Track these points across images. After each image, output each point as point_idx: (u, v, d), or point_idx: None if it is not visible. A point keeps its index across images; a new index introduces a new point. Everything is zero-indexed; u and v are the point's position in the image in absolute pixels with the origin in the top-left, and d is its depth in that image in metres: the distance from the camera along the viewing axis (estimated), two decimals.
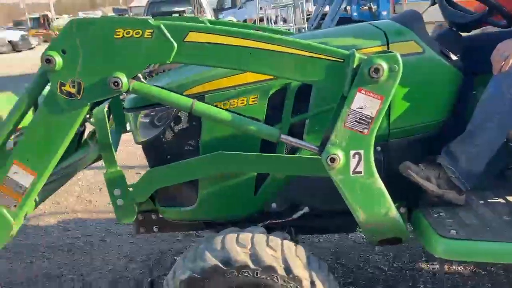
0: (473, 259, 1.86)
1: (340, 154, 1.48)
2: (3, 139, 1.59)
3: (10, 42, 24.48)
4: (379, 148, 1.80)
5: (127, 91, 1.51)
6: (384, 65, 1.40)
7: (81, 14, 50.51)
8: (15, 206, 1.61)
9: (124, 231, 3.24)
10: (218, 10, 24.04)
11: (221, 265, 1.52)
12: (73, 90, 1.48)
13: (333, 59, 1.45)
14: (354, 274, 2.54)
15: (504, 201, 1.84)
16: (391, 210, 1.59)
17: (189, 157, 1.79)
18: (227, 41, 1.44)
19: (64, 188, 4.09)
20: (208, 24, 2.10)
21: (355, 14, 14.05)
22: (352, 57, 1.43)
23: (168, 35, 1.43)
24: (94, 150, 2.50)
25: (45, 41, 32.96)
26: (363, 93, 1.44)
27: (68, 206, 3.79)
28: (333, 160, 1.47)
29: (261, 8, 15.30)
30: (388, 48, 1.74)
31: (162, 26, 1.43)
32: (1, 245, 1.68)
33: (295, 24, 11.85)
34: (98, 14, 51.99)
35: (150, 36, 1.43)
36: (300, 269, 1.54)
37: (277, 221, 1.91)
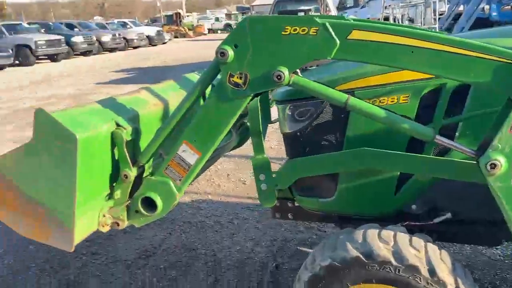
0: None
1: (502, 160, 1.41)
2: (177, 121, 1.81)
3: (147, 36, 27.24)
4: None
5: (287, 85, 1.62)
6: None
7: (208, 12, 53.95)
8: (179, 180, 1.84)
9: (251, 216, 3.45)
10: (339, 9, 23.80)
11: (362, 257, 1.56)
12: (240, 81, 1.64)
13: (503, 60, 1.39)
14: None
15: None
16: None
17: (329, 151, 1.86)
18: (390, 39, 1.46)
19: None
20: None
21: (494, 14, 12.84)
22: None
23: (332, 32, 1.50)
24: (235, 139, 2.72)
25: (175, 37, 35.96)
26: None
27: (200, 188, 4.15)
28: (493, 166, 1.41)
29: (386, 7, 14.77)
30: None
31: (327, 24, 1.51)
32: (165, 213, 1.92)
33: (423, 24, 11.20)
34: (223, 12, 55.04)
35: (315, 33, 1.52)
36: (445, 273, 1.51)
37: (415, 223, 1.88)
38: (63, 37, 19.78)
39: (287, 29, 1.54)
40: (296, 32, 1.54)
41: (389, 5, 14.44)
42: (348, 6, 24.70)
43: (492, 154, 1.41)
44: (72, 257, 2.99)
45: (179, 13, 40.42)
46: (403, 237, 1.61)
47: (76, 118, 1.68)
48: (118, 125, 1.78)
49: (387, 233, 1.63)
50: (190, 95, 1.77)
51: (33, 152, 1.67)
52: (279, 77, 1.57)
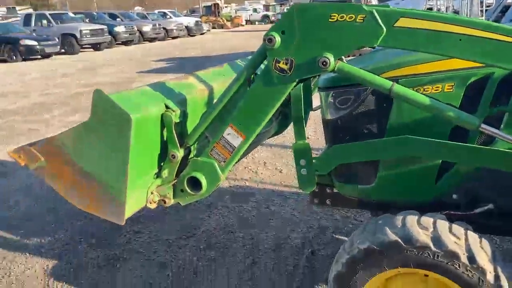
0: None
1: None
2: (223, 105, 1.89)
3: (186, 27, 27.62)
4: None
5: (332, 71, 1.66)
6: None
7: (246, 3, 53.92)
8: (224, 161, 1.92)
9: (286, 203, 3.51)
10: (381, 0, 23.28)
11: (401, 242, 1.59)
12: (285, 67, 1.69)
13: None
14: None
15: None
16: None
17: (370, 139, 1.88)
18: (438, 27, 1.48)
19: None
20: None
21: None
22: None
23: (379, 20, 1.53)
24: (275, 126, 2.78)
25: (213, 27, 36.24)
26: None
27: (237, 174, 4.25)
28: None
29: None
30: None
31: (374, 11, 1.53)
32: (209, 192, 2.01)
33: (469, 17, 10.81)
34: (261, 3, 54.84)
35: (362, 21, 1.55)
36: (485, 261, 1.52)
37: (456, 212, 1.89)
38: (106, 27, 20.39)
39: (334, 16, 1.58)
40: (343, 19, 1.57)
41: None
42: None
43: None
44: (117, 234, 3.15)
45: (218, 4, 40.63)
46: (442, 224, 1.63)
47: (131, 99, 1.79)
48: (167, 107, 1.88)
49: (427, 220, 1.65)
50: (237, 80, 1.84)
51: (91, 130, 1.79)
52: (324, 63, 1.61)
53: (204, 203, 3.58)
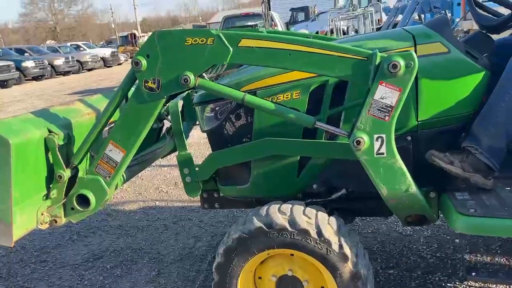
0: (488, 234, 2.01)
1: (364, 137, 1.75)
2: (102, 125, 2.07)
3: (102, 58, 27.06)
4: (409, 138, 2.04)
5: (194, 87, 1.91)
6: (401, 62, 1.66)
7: None
8: (109, 177, 2.08)
9: (194, 217, 3.70)
10: (291, 23, 24.64)
11: (264, 227, 1.86)
12: (154, 86, 1.92)
13: (359, 57, 1.74)
14: (396, 260, 2.74)
15: None
16: (411, 187, 1.82)
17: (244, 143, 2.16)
18: (271, 45, 1.79)
19: (145, 181, 4.70)
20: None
21: (428, 20, 13.70)
22: (374, 55, 1.71)
23: (226, 41, 1.82)
24: (170, 143, 2.98)
25: (131, 57, 35.72)
26: (383, 86, 1.71)
27: (148, 196, 4.36)
28: (358, 142, 1.75)
29: (332, 20, 15.54)
30: (415, 49, 1.98)
31: (221, 34, 1.82)
32: (98, 208, 2.15)
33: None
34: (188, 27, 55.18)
35: (212, 43, 1.83)
36: (330, 234, 1.83)
37: (317, 200, 2.21)
38: (13, 63, 19.40)
39: (189, 40, 1.85)
40: (196, 42, 1.85)
41: (335, 18, 15.21)
42: (299, 20, 25.62)
43: (356, 133, 1.76)
44: (21, 266, 3.13)
45: (134, 34, 40.28)
46: (298, 208, 1.92)
47: (11, 126, 1.90)
48: (50, 131, 2.01)
49: (286, 206, 1.94)
50: (112, 101, 2.04)
51: None
52: (186, 80, 1.87)
53: (112, 226, 3.66)
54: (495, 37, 2.22)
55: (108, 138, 2.04)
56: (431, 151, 1.96)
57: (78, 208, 2.11)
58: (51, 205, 2.10)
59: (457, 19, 10.15)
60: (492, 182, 1.94)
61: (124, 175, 2.30)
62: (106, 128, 2.23)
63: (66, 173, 2.05)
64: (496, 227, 1.78)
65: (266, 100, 1.97)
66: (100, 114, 2.09)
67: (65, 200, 2.10)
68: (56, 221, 2.13)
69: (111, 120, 2.14)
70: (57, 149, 2.01)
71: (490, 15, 2.19)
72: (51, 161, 2.05)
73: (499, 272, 1.85)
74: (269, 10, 12.93)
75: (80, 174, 2.11)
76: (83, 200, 2.10)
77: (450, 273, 2.57)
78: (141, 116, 1.98)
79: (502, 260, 2.61)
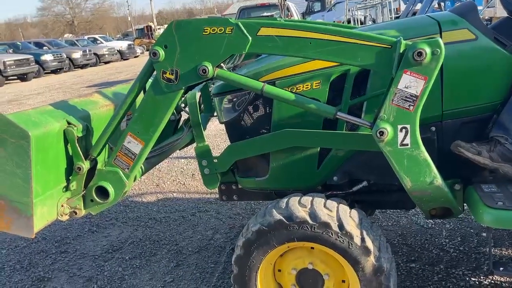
0: None
1: (388, 128, 1.70)
2: (121, 116, 2.06)
3: (118, 51, 27.25)
4: (433, 128, 1.98)
5: (212, 77, 1.88)
6: (427, 49, 1.60)
7: None
8: (127, 169, 2.08)
9: (212, 208, 3.69)
10: (307, 13, 24.41)
11: (284, 220, 1.83)
12: (172, 77, 1.90)
13: (383, 45, 1.68)
14: (418, 254, 2.68)
15: None
16: (436, 179, 1.76)
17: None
18: (292, 34, 1.75)
19: (163, 173, 4.72)
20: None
21: (454, 6, 13.39)
22: (398, 43, 1.64)
23: (244, 30, 1.77)
24: (188, 134, 2.96)
25: (147, 50, 35.96)
26: (408, 74, 1.65)
27: (166, 188, 4.38)
28: (382, 133, 1.70)
29: (349, 10, 15.31)
30: (441, 36, 1.91)
31: (239, 23, 1.78)
32: (117, 199, 2.15)
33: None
34: None
35: (231, 32, 1.79)
36: (352, 227, 1.79)
37: (338, 192, 2.17)
38: (32, 56, 19.68)
39: (207, 29, 1.81)
40: (214, 32, 1.81)
41: (352, 8, 14.99)
42: (316, 10, 25.34)
43: (379, 123, 1.71)
44: (42, 257, 3.17)
45: (150, 26, 40.45)
46: (318, 201, 1.88)
47: (30, 118, 1.90)
48: (69, 123, 2.01)
49: (306, 199, 1.91)
50: (130, 92, 2.02)
51: None
52: (204, 71, 1.84)
53: (130, 218, 3.68)
54: None
55: (126, 130, 2.03)
56: (456, 142, 1.89)
57: (98, 200, 2.11)
58: (71, 197, 2.10)
59: (479, 7, 9.89)
60: None
61: (143, 167, 2.29)
62: (125, 120, 2.22)
63: (85, 165, 2.05)
64: None
65: (286, 90, 1.92)
66: (118, 106, 2.08)
67: (84, 192, 2.11)
68: (76, 213, 2.14)
69: (129, 112, 2.13)
70: (76, 141, 2.01)
71: None
72: (70, 153, 2.05)
73: None
74: (285, 1, 12.79)
75: (99, 166, 2.11)
76: (102, 192, 2.10)
77: (474, 267, 2.50)
78: (159, 108, 1.96)
79: None
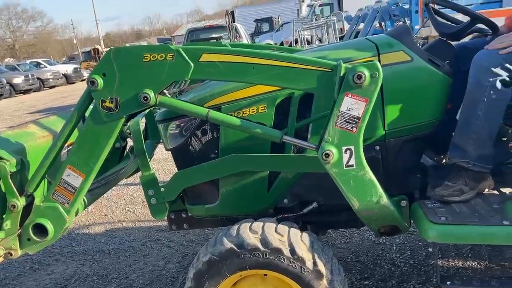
0: (460, 242, 2.02)
1: (333, 150, 1.71)
2: (58, 148, 1.95)
3: (64, 75, 26.33)
4: (377, 147, 2.02)
5: (155, 105, 1.83)
6: (366, 72, 1.64)
7: (128, 46, 53.25)
8: (68, 203, 1.95)
9: (163, 237, 3.57)
10: (256, 34, 24.81)
11: (235, 248, 1.79)
12: (111, 105, 1.82)
13: (324, 69, 1.71)
14: (371, 270, 2.71)
15: (497, 192, 1.99)
16: (383, 198, 1.79)
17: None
18: (234, 59, 1.74)
19: (111, 202, 4.54)
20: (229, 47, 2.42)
21: (389, 29, 14.12)
22: (339, 67, 1.68)
23: (186, 57, 1.75)
24: (134, 162, 2.86)
25: None
26: (349, 97, 1.68)
27: (114, 217, 4.19)
28: (327, 155, 1.71)
29: (296, 30, 15.72)
30: (379, 59, 1.97)
31: (180, 49, 1.75)
32: (57, 236, 2.01)
33: (328, 43, 12.12)
34: (143, 44, 54.65)
35: (172, 59, 1.76)
36: (304, 251, 1.78)
37: (289, 215, 2.15)
38: None
39: (147, 56, 1.77)
40: (155, 58, 1.77)
41: (298, 28, 15.42)
42: (264, 31, 25.85)
43: (325, 146, 1.72)
44: None
45: (97, 49, 39.46)
46: (269, 226, 1.86)
47: None
48: (0, 158, 1.87)
49: (257, 225, 1.87)
50: (68, 122, 1.92)
51: None
52: (145, 98, 1.78)
53: (77, 251, 3.48)
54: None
55: (65, 162, 1.92)
56: (438, 192, 1.92)
57: (35, 238, 1.97)
58: (5, 237, 1.96)
59: (416, 26, 10.47)
60: (491, 181, 1.95)
61: (86, 199, 2.17)
62: (64, 151, 2.11)
63: (20, 202, 1.92)
64: (468, 234, 1.77)
65: (232, 115, 1.90)
66: (56, 137, 1.97)
67: (20, 230, 1.96)
68: (11, 254, 1.99)
69: (69, 142, 2.03)
70: (8, 177, 1.88)
71: (449, 22, 2.21)
72: (3, 190, 1.91)
73: (473, 279, 1.84)
74: (233, 22, 12.95)
75: (36, 201, 1.97)
76: (41, 230, 1.97)
77: (424, 280, 2.56)
78: (100, 137, 1.87)
79: (473, 264, 2.63)
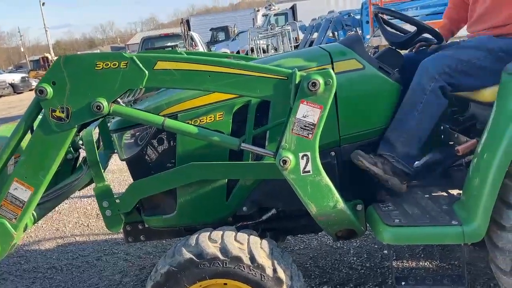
0: (414, 243, 2.10)
1: (290, 156, 1.73)
2: (4, 161, 1.85)
3: (11, 84, 25.10)
4: (333, 153, 2.07)
5: (108, 114, 1.78)
6: (320, 80, 1.67)
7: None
8: (15, 218, 1.85)
9: (119, 250, 3.46)
10: (212, 43, 24.79)
11: (194, 258, 1.76)
12: (62, 115, 1.75)
13: (279, 77, 1.73)
14: (329, 275, 2.75)
15: (445, 194, 2.09)
16: (339, 203, 1.82)
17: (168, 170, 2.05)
18: (190, 67, 1.72)
19: (63, 215, 4.35)
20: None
21: (342, 38, 14.58)
22: (294, 74, 1.70)
23: (140, 64, 1.71)
24: (87, 173, 2.76)
25: None
26: (305, 104, 1.71)
27: (67, 231, 4.02)
28: (284, 162, 1.73)
29: (252, 39, 15.86)
30: (332, 66, 2.02)
31: (134, 57, 1.72)
32: (4, 254, 1.90)
33: (284, 52, 12.31)
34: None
35: (125, 67, 1.72)
36: (263, 259, 1.78)
37: (248, 222, 2.15)
38: None
39: (99, 64, 1.72)
40: (108, 66, 1.72)
41: (254, 37, 15.56)
42: (220, 39, 25.87)
43: (282, 152, 1.73)
44: None
45: (47, 57, 37.96)
46: (229, 235, 1.84)
47: None
48: None
49: (216, 233, 1.85)
50: (15, 133, 1.83)
51: None
52: (98, 107, 1.73)
53: (27, 268, 3.30)
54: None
55: (12, 175, 1.82)
56: (357, 151, 1.98)
57: None
58: None
59: (367, 36, 10.88)
60: (405, 187, 2.02)
61: (35, 214, 2.06)
62: (12, 163, 2.00)
63: None
64: (420, 235, 1.84)
65: (189, 123, 1.89)
66: (1, 149, 1.86)
67: None
68: None
69: (16, 154, 1.93)
70: None
71: (398, 32, 2.31)
72: None
73: (426, 279, 1.92)
74: (189, 31, 12.89)
75: None
76: None
77: (380, 282, 2.63)
78: (50, 149, 1.80)
79: (426, 263, 2.73)
